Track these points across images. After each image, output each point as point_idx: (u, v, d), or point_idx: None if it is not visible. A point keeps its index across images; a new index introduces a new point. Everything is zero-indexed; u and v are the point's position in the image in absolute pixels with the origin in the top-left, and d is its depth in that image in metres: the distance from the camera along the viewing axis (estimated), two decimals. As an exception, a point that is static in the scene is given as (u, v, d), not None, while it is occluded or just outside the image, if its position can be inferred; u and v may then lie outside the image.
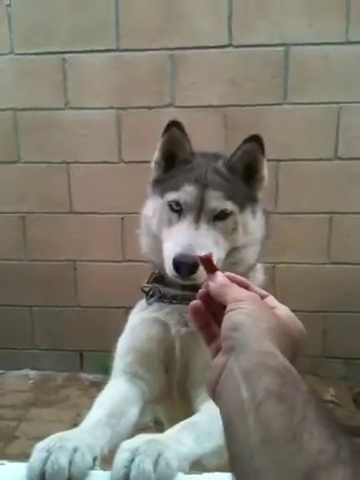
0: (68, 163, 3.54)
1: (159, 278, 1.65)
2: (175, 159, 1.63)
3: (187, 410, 1.51)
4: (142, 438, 1.05)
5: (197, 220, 1.51)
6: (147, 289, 1.65)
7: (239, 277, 0.97)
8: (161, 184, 1.65)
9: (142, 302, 1.67)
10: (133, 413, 1.46)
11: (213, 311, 0.95)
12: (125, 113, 3.39)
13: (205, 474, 0.99)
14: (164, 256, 1.52)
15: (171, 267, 1.46)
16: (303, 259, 3.46)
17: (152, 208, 1.65)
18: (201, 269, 1.37)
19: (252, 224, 1.61)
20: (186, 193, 1.53)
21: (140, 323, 1.61)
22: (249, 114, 3.23)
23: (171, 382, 1.59)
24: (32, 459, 1.01)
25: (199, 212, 1.51)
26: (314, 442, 0.62)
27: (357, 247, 3.39)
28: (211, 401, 1.36)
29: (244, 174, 1.60)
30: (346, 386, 3.47)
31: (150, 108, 3.34)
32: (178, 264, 1.44)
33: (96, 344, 3.61)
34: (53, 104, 3.47)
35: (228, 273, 0.97)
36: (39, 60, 3.41)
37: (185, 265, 1.42)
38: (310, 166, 3.31)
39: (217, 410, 1.34)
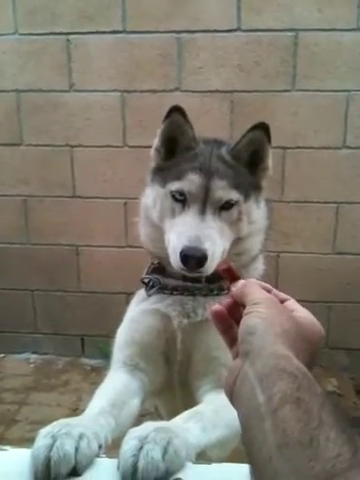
0: (72, 146, 3.49)
1: (159, 268, 1.62)
2: (176, 146, 1.57)
3: (187, 402, 1.50)
4: (150, 426, 1.02)
5: (202, 211, 1.46)
6: (147, 280, 1.61)
7: (260, 282, 0.99)
8: (162, 172, 1.59)
9: (141, 292, 1.64)
10: (135, 404, 1.45)
11: (236, 316, 0.95)
12: (130, 96, 3.33)
13: (214, 464, 0.97)
14: (168, 248, 1.48)
15: (178, 260, 1.42)
16: (308, 249, 3.43)
17: (152, 197, 1.59)
18: (208, 262, 1.40)
19: (256, 213, 1.58)
20: (190, 182, 1.48)
21: (140, 315, 1.59)
22: (256, 100, 3.18)
23: (172, 373, 1.57)
24: (36, 445, 0.98)
25: (204, 202, 1.47)
26: (331, 446, 0.63)
27: (363, 237, 3.34)
28: (214, 392, 1.39)
29: (248, 162, 1.56)
30: (348, 377, 3.47)
31: (155, 92, 3.28)
32: (186, 257, 1.40)
33: (98, 329, 3.60)
34: (57, 86, 3.41)
35: (250, 280, 0.99)
36: (43, 41, 3.35)
37: (193, 258, 1.39)
38: (317, 155, 3.26)
39: (221, 401, 1.33)
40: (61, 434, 1.01)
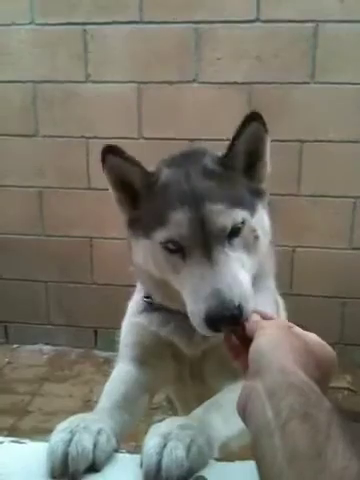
0: (87, 138, 3.47)
1: None
2: (136, 190, 1.29)
3: (200, 392, 1.47)
4: (173, 422, 1.01)
5: (208, 253, 1.16)
6: (148, 299, 1.43)
7: (267, 313, 1.06)
8: (139, 222, 1.29)
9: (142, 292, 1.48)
10: (145, 399, 1.43)
11: (247, 344, 0.97)
12: (146, 87, 3.30)
13: (237, 462, 0.97)
14: (188, 311, 1.18)
15: (206, 329, 1.15)
16: (324, 244, 3.38)
17: (142, 253, 1.30)
18: (244, 308, 1.12)
19: (267, 221, 1.34)
20: (177, 224, 1.17)
21: (145, 326, 1.43)
22: (275, 92, 3.13)
23: (182, 370, 1.51)
24: (53, 440, 0.97)
25: (205, 241, 1.16)
26: (338, 459, 0.63)
27: (381, 233, 3.30)
28: (233, 383, 1.31)
29: (244, 166, 1.30)
30: (363, 373, 3.42)
31: (172, 83, 3.25)
32: (213, 323, 1.12)
33: (110, 322, 3.53)
34: (73, 77, 3.40)
35: (259, 310, 1.04)
36: (60, 31, 3.33)
37: (223, 321, 1.11)
38: (336, 148, 3.21)
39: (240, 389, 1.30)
40: (79, 429, 1.00)
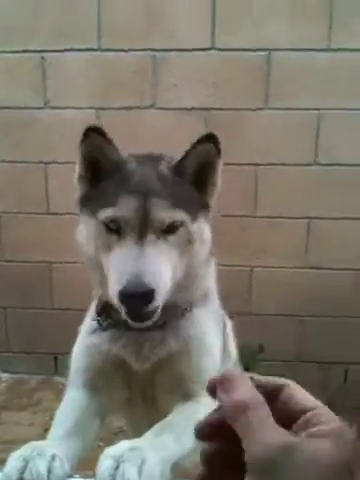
0: (46, 163, 3.49)
1: (109, 304, 1.38)
2: (101, 170, 1.38)
3: (151, 416, 1.47)
4: (124, 445, 1.04)
5: (141, 238, 1.25)
6: (98, 319, 1.45)
7: (269, 381, 0.64)
8: (91, 201, 1.39)
9: (91, 322, 1.51)
10: (96, 424, 1.44)
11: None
12: (105, 113, 3.34)
13: None
14: (109, 289, 1.26)
15: (120, 307, 1.23)
16: (281, 263, 3.46)
17: (85, 232, 1.39)
18: (157, 297, 1.21)
19: (207, 234, 1.40)
20: (123, 207, 1.28)
21: (97, 346, 1.45)
22: (230, 118, 3.22)
23: (133, 393, 1.52)
24: (8, 468, 0.99)
25: (143, 228, 1.26)
26: None
27: (335, 252, 3.41)
28: (183, 401, 1.36)
29: (195, 179, 1.38)
30: (321, 390, 3.46)
31: (130, 109, 3.31)
32: (127, 298, 1.20)
33: (71, 347, 3.54)
34: (32, 103, 3.42)
35: (256, 377, 0.63)
36: (18, 58, 3.35)
37: (135, 298, 1.19)
38: (289, 171, 3.32)
39: (191, 409, 1.31)
40: (34, 455, 1.02)
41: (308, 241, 3.43)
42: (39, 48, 3.33)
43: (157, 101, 3.31)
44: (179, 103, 3.27)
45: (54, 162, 3.47)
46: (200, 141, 1.35)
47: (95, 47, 3.28)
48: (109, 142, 1.35)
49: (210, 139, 1.35)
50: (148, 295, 1.19)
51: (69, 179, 3.57)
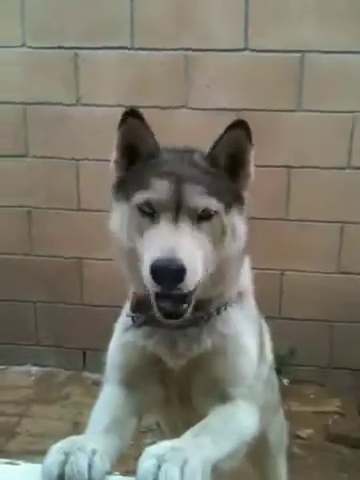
0: (77, 160, 3.50)
1: (143, 301, 1.38)
2: (137, 157, 1.37)
3: (187, 416, 1.48)
4: (166, 445, 1.03)
5: (175, 220, 1.23)
6: (132, 316, 1.44)
7: None
8: (125, 185, 1.37)
9: (126, 319, 1.50)
10: (134, 422, 1.44)
11: None
12: (136, 112, 3.32)
13: None
14: (142, 271, 1.23)
15: (149, 278, 1.18)
16: (313, 268, 3.42)
17: (119, 218, 1.36)
18: (188, 274, 1.17)
19: (241, 228, 1.36)
20: (158, 190, 1.26)
21: (131, 343, 1.45)
22: (263, 119, 3.15)
23: (170, 392, 1.51)
24: (48, 461, 0.99)
25: (177, 211, 1.24)
26: None
27: (368, 257, 3.34)
28: (220, 404, 1.36)
29: (228, 168, 1.36)
30: (352, 397, 3.44)
31: (162, 108, 3.28)
32: (158, 272, 1.16)
33: (100, 343, 3.55)
34: (64, 99, 3.43)
35: None
36: (51, 54, 3.36)
37: (167, 272, 1.15)
38: (323, 174, 3.27)
39: (228, 411, 1.31)
40: (74, 449, 1.01)
41: (341, 245, 3.37)
42: (72, 45, 3.32)
43: (189, 101, 3.28)
44: (211, 104, 3.23)
45: (86, 159, 3.49)
46: (230, 127, 1.32)
47: (128, 46, 3.26)
48: (147, 128, 1.34)
49: (240, 125, 1.32)
50: (180, 272, 1.16)
51: (100, 176, 3.60)
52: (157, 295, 1.24)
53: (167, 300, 1.24)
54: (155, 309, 1.27)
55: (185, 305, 1.25)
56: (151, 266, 1.17)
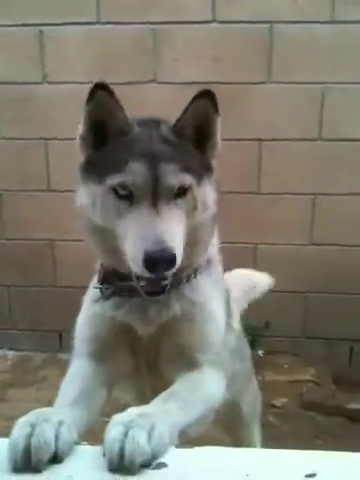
0: (46, 139, 3.44)
1: (111, 272, 1.42)
2: (105, 132, 1.33)
3: (156, 385, 1.48)
4: (133, 411, 1.03)
5: (154, 203, 1.24)
6: (100, 288, 1.44)
7: None
8: (96, 166, 1.34)
9: (95, 290, 1.49)
10: (103, 394, 1.43)
11: None
12: (105, 88, 3.28)
13: (196, 448, 1.01)
14: (128, 255, 1.25)
15: (143, 269, 1.20)
16: (286, 240, 3.44)
17: (89, 197, 1.34)
18: (178, 261, 1.22)
19: (210, 198, 1.38)
20: (134, 173, 1.25)
21: (100, 315, 1.45)
22: (232, 92, 3.13)
23: (139, 361, 1.51)
24: (14, 434, 0.97)
25: (154, 193, 1.25)
26: None
27: (339, 228, 3.38)
28: (187, 372, 1.36)
29: (195, 139, 1.36)
30: (326, 366, 3.49)
31: (131, 83, 3.23)
32: (152, 264, 1.19)
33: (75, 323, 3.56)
34: (30, 78, 3.36)
35: None
36: (15, 32, 3.29)
37: (162, 262, 1.19)
38: (293, 146, 3.28)
39: (195, 378, 1.32)
40: (40, 421, 1.00)
41: (313, 217, 3.39)
42: (37, 21, 3.25)
43: (158, 75, 3.25)
44: (180, 77, 3.20)
45: (55, 138, 3.43)
46: (196, 97, 1.30)
47: (94, 20, 3.21)
48: (116, 101, 1.30)
49: (206, 95, 1.31)
50: (173, 260, 1.20)
51: (70, 156, 3.56)
52: (138, 276, 1.27)
53: (150, 280, 1.27)
54: (138, 288, 1.30)
55: (166, 281, 1.28)
56: (145, 257, 1.18)
